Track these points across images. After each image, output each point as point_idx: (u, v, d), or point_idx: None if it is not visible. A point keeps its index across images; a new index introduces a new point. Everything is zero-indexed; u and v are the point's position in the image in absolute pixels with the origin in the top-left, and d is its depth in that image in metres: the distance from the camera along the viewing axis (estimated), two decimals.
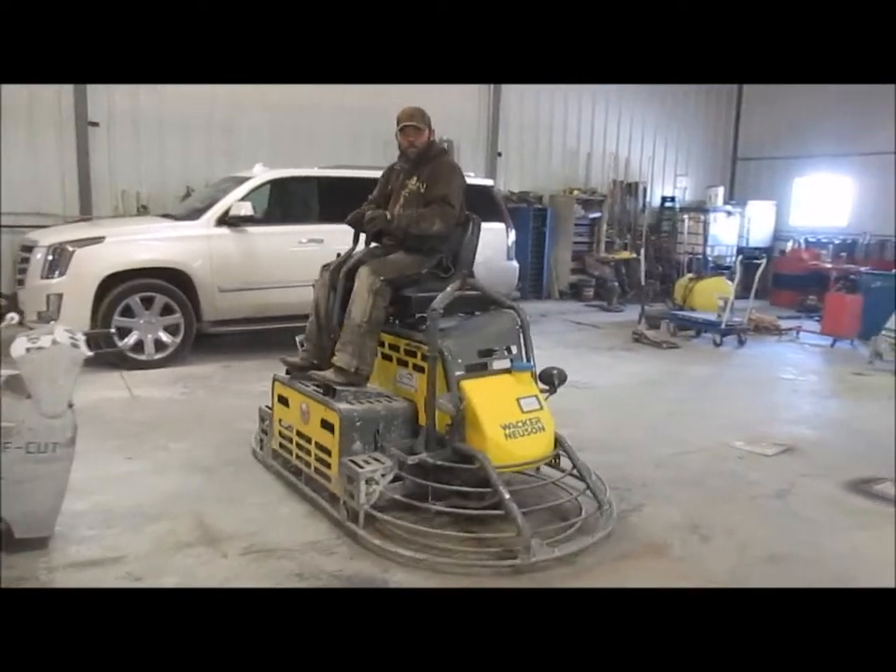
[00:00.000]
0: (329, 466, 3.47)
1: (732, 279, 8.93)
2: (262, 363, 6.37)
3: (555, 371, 3.54)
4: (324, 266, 3.90)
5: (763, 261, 9.09)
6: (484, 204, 7.00)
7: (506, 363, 3.55)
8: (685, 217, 12.68)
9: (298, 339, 4.51)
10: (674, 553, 3.21)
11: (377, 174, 7.06)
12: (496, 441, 3.25)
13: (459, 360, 3.39)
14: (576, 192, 11.91)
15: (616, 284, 11.25)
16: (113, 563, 3.00)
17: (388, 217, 3.60)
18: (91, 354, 2.96)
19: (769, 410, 5.71)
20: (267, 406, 4.22)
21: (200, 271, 6.42)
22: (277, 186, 7.12)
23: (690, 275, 10.12)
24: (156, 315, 6.32)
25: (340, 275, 3.81)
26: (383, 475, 3.28)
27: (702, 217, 12.53)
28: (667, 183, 13.41)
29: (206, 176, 8.75)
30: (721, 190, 13.11)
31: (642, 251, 10.52)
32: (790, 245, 12.86)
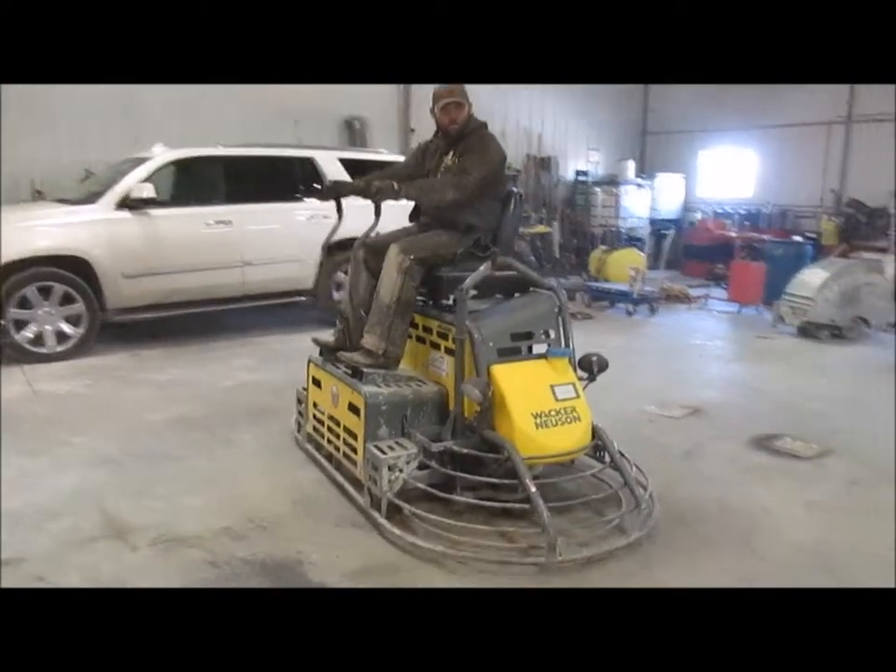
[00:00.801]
0: (355, 451, 3.36)
1: (643, 251, 9.26)
2: (172, 351, 6.30)
3: (595, 358, 3.30)
4: (357, 244, 3.76)
5: (672, 233, 9.47)
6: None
7: (542, 348, 3.34)
8: (598, 190, 12.92)
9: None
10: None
11: (287, 152, 7.24)
12: (524, 431, 3.05)
13: (490, 344, 3.19)
14: None
15: (532, 258, 10.90)
16: (15, 564, 2.82)
17: (395, 187, 3.37)
18: None
19: (678, 375, 5.90)
20: (303, 388, 4.16)
21: (100, 257, 6.03)
22: (180, 167, 6.84)
23: (603, 247, 10.43)
24: (55, 305, 5.91)
25: (366, 253, 3.69)
26: (407, 462, 3.14)
27: (614, 191, 12.73)
28: (580, 157, 13.40)
29: (105, 158, 7.95)
30: (631, 164, 13.09)
31: (556, 225, 10.53)
32: (698, 216, 13.35)
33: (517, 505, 2.99)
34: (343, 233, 6.88)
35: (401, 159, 8.05)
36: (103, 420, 4.52)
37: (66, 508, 3.32)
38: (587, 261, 10.65)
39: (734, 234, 11.75)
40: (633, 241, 11.32)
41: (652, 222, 12.81)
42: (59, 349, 5.95)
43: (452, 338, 3.33)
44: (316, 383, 3.82)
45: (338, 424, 3.56)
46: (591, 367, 3.30)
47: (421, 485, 3.13)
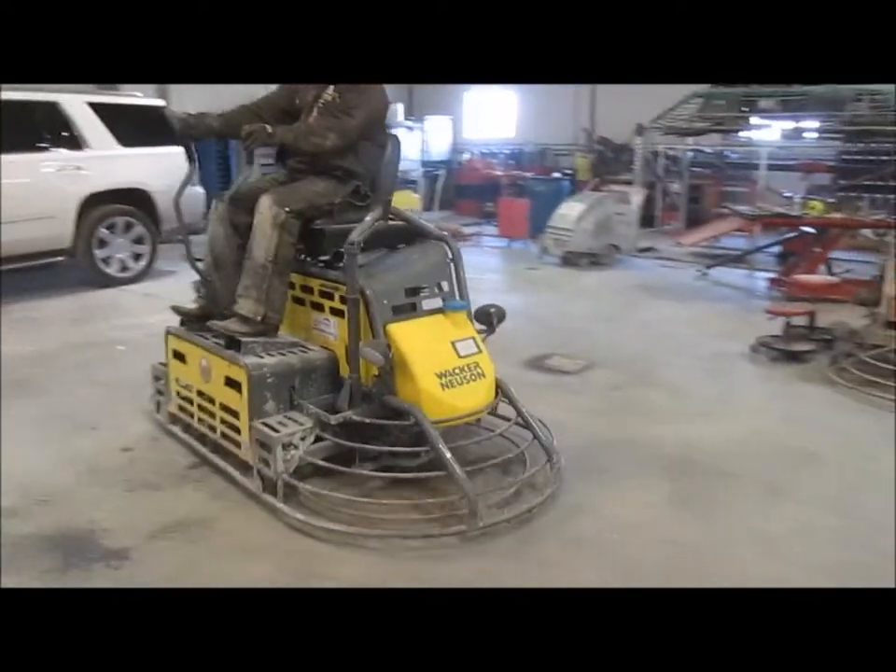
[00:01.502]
0: (237, 430, 2.98)
1: (417, 192, 9.52)
2: None
3: (493, 309, 3.13)
4: (217, 196, 3.31)
5: (443, 173, 10.30)
6: (157, 128, 5.91)
7: (437, 302, 3.11)
8: None
9: (193, 284, 3.95)
10: None
11: (26, 95, 6.20)
12: (431, 393, 2.83)
13: (385, 301, 2.92)
14: None
15: None
16: None
17: (269, 130, 2.94)
18: None
19: None
20: (161, 363, 3.67)
21: None
22: None
23: None
24: None
25: (231, 207, 3.26)
26: (302, 438, 2.83)
27: None
28: None
29: None
30: (400, 107, 13.27)
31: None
32: (466, 157, 13.94)
33: (430, 473, 2.79)
34: (103, 185, 6.44)
35: (158, 102, 7.41)
36: None
37: None
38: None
39: (500, 173, 12.27)
40: (406, 183, 11.21)
41: (423, 164, 12.69)
42: None
43: (339, 297, 3.03)
44: (179, 357, 3.36)
45: (211, 401, 3.15)
46: (489, 318, 3.13)
47: (317, 461, 2.84)
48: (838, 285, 5.95)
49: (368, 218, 2.98)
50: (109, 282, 6.76)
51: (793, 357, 4.76)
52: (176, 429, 3.49)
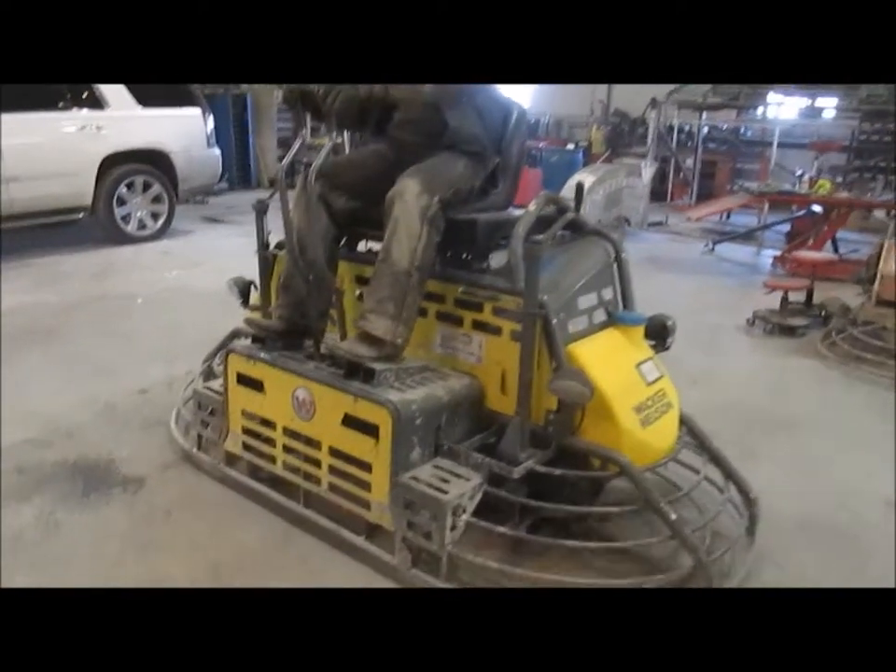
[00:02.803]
0: (365, 486, 2.27)
1: None
2: None
3: (670, 322, 2.55)
4: (310, 172, 2.49)
5: None
6: (176, 89, 6.87)
7: (601, 314, 2.49)
8: None
9: (229, 282, 3.14)
10: None
11: None
12: (632, 433, 2.22)
13: (562, 315, 2.28)
14: None
15: None
16: None
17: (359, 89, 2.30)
18: None
19: None
20: (208, 387, 2.86)
21: None
22: None
23: None
24: None
25: (329, 187, 2.50)
26: (471, 498, 2.16)
27: None
28: None
29: None
30: None
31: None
32: None
33: (649, 541, 2.20)
34: (122, 145, 6.66)
35: None
36: None
37: None
38: None
39: None
40: None
41: None
42: None
43: (493, 309, 2.35)
44: (249, 383, 2.58)
45: (314, 445, 2.41)
46: (664, 332, 2.55)
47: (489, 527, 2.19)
48: (838, 262, 6.10)
49: (532, 207, 2.31)
50: (128, 239, 6.89)
51: (787, 331, 4.85)
52: (235, 473, 2.72)
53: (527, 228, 2.25)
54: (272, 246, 2.96)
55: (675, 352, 3.75)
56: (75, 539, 2.42)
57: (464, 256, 2.49)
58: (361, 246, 2.85)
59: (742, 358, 4.51)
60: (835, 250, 6.89)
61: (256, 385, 2.56)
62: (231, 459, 2.74)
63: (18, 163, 5.95)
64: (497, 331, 2.37)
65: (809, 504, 2.74)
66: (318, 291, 2.49)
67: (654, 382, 2.39)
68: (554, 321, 2.22)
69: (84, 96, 6.44)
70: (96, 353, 4.12)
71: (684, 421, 2.51)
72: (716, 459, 2.50)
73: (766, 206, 8.09)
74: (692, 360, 3.99)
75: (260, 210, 2.88)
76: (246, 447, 2.66)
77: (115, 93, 6.58)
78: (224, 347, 3.31)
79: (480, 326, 2.41)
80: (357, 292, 2.72)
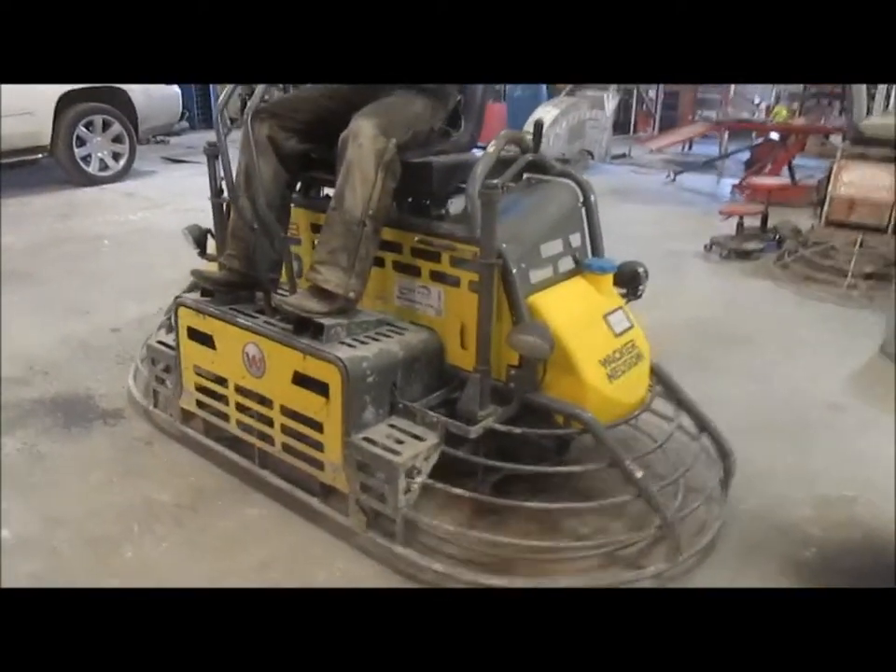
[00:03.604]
0: (317, 446, 2.17)
1: None
2: None
3: (641, 269, 2.41)
4: (256, 112, 2.31)
5: None
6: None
7: (569, 262, 2.35)
8: None
9: (184, 231, 2.98)
10: None
11: None
12: (598, 388, 2.10)
13: (523, 265, 2.13)
14: None
15: None
16: None
17: None
18: None
19: None
20: (161, 342, 2.73)
21: None
22: None
23: None
24: None
25: (279, 127, 2.33)
26: (425, 459, 2.06)
27: None
28: None
29: None
30: None
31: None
32: None
33: (621, 499, 2.10)
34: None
35: None
36: None
37: None
38: None
39: None
40: None
41: None
42: None
43: (450, 259, 2.21)
44: (201, 338, 2.45)
45: (266, 404, 2.30)
46: (636, 280, 2.40)
47: (442, 486, 2.08)
48: (792, 187, 6.29)
49: (491, 148, 2.14)
50: (90, 181, 6.82)
51: (743, 256, 5.04)
52: (191, 431, 2.62)
53: (486, 170, 2.08)
54: (226, 192, 2.80)
55: None
56: (59, 467, 2.51)
57: (422, 202, 2.32)
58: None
59: (698, 281, 4.70)
60: (791, 176, 6.92)
61: (207, 341, 2.44)
62: (188, 417, 2.64)
63: None
64: (455, 282, 2.23)
65: (758, 408, 2.94)
66: (269, 240, 2.34)
67: (623, 333, 2.26)
68: (514, 271, 2.08)
69: None
70: (67, 293, 4.17)
71: (655, 371, 2.40)
72: (689, 410, 2.38)
73: (726, 135, 8.17)
74: (651, 285, 3.96)
75: (211, 154, 2.70)
76: (200, 405, 2.55)
77: None
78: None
79: (438, 277, 2.27)
80: (314, 241, 2.57)
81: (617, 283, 2.40)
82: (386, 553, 2.05)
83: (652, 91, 10.48)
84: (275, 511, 2.28)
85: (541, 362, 2.08)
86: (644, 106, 10.56)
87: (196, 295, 2.52)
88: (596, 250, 2.42)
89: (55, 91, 6.35)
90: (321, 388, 2.09)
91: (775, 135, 7.32)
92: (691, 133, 8.74)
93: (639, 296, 2.42)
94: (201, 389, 2.53)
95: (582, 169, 7.93)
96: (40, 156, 6.60)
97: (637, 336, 2.31)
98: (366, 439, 2.06)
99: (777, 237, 5.19)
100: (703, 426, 2.37)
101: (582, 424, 2.06)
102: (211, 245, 2.94)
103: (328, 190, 2.59)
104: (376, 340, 2.18)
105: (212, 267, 2.67)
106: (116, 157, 7.04)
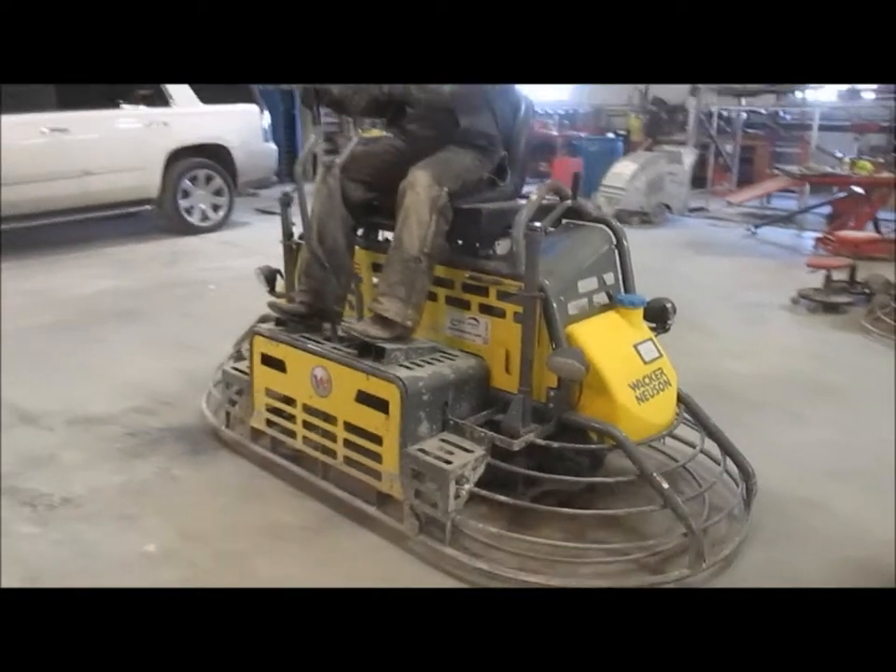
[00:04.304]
0: (376, 458, 2.44)
1: None
2: (16, 263, 6.08)
3: (669, 305, 2.66)
4: (328, 165, 2.67)
5: None
6: (235, 87, 7.28)
7: (603, 298, 2.62)
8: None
9: (257, 270, 3.32)
10: None
11: None
12: (627, 408, 2.35)
13: (562, 298, 2.41)
14: None
15: None
16: None
17: (380, 87, 2.46)
18: None
19: None
20: (235, 367, 3.05)
21: None
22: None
23: None
24: None
25: (347, 179, 2.66)
26: (473, 468, 2.31)
27: None
28: None
29: None
30: None
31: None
32: None
33: (644, 508, 2.33)
34: (187, 139, 7.07)
35: None
36: None
37: None
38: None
39: (555, 133, 12.60)
40: None
41: None
42: None
43: (497, 293, 2.50)
44: (273, 363, 2.76)
45: (330, 420, 2.58)
46: (664, 314, 2.66)
47: (491, 495, 2.33)
48: (880, 241, 6.19)
49: (534, 196, 2.45)
50: (191, 230, 7.28)
51: (831, 309, 5.01)
52: (259, 449, 2.90)
53: (530, 215, 2.38)
54: (295, 236, 3.14)
55: (721, 327, 4.64)
56: (192, 489, 2.73)
57: (471, 244, 2.63)
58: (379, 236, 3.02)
59: (787, 333, 4.70)
60: (877, 229, 6.89)
61: (278, 365, 2.74)
62: (256, 435, 2.93)
63: (92, 158, 6.41)
64: (501, 314, 2.51)
65: (850, 457, 2.96)
66: (336, 277, 2.66)
67: (652, 361, 2.51)
68: (554, 304, 2.36)
69: (151, 94, 6.86)
70: (176, 332, 4.47)
71: (683, 399, 2.62)
72: (714, 435, 2.61)
73: (807, 189, 8.11)
74: (737, 336, 4.46)
75: (285, 202, 3.07)
76: (270, 423, 2.84)
77: (179, 91, 6.98)
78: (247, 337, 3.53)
79: (486, 309, 2.55)
80: (374, 279, 2.88)
81: (647, 317, 2.65)
82: (435, 554, 2.29)
83: (729, 146, 10.60)
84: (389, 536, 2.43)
85: (577, 384, 2.34)
86: (721, 160, 10.64)
87: (270, 325, 2.84)
88: (628, 288, 2.68)
89: (166, 147, 6.88)
90: (382, 405, 2.37)
91: (858, 189, 7.21)
92: (773, 187, 8.76)
93: (667, 329, 2.67)
94: (270, 409, 2.82)
95: (661, 222, 8.38)
96: (148, 207, 7.08)
97: (665, 365, 2.55)
98: (420, 450, 2.32)
99: (867, 290, 5.11)
100: (727, 450, 2.59)
101: (613, 440, 2.30)
102: (280, 284, 3.29)
103: (386, 234, 2.92)
104: (430, 364, 2.47)
105: (280, 301, 3.00)
106: (215, 208, 7.49)
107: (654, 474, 2.24)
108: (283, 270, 3.21)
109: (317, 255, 2.62)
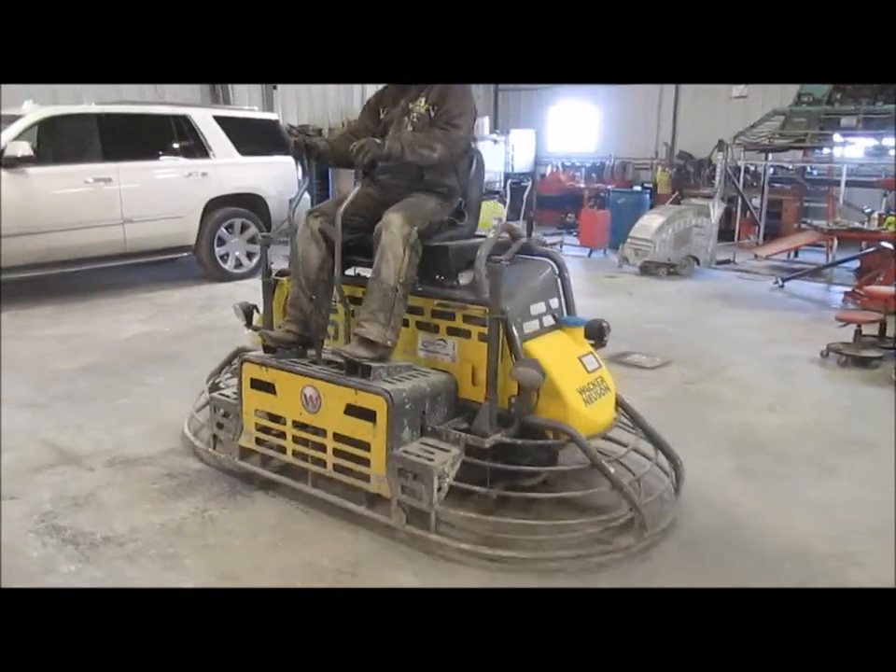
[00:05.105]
0: (365, 462, 2.80)
1: (503, 202, 9.77)
2: (57, 308, 6.40)
3: (605, 324, 3.15)
4: (310, 212, 3.09)
5: (529, 184, 10.55)
6: (271, 139, 7.77)
7: (549, 320, 3.09)
8: None
9: (235, 306, 3.65)
10: None
11: (162, 109, 7.52)
12: (577, 410, 2.81)
13: (518, 320, 2.87)
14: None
15: None
16: None
17: (378, 142, 2.86)
18: None
19: None
20: (221, 394, 3.36)
21: None
22: (50, 124, 6.57)
23: None
24: None
25: (326, 224, 3.06)
26: (452, 465, 2.71)
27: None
28: None
29: None
30: (486, 120, 13.73)
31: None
32: (549, 169, 14.40)
33: (590, 490, 2.79)
34: (224, 189, 7.49)
35: (272, 116, 8.58)
36: (11, 370, 4.59)
37: (6, 444, 3.51)
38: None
39: (582, 185, 12.85)
40: (491, 193, 11.17)
41: (507, 175, 12.75)
42: None
43: (462, 317, 2.93)
44: (262, 386, 3.09)
45: (319, 433, 2.93)
46: (601, 332, 3.14)
47: (461, 485, 2.74)
48: None
49: (490, 235, 2.92)
50: (226, 276, 7.51)
51: (862, 363, 5.00)
52: (248, 465, 3.20)
53: (488, 251, 2.84)
54: (273, 274, 3.51)
55: (752, 380, 4.72)
56: (230, 530, 2.83)
57: (437, 276, 3.07)
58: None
59: (817, 387, 4.72)
60: None
61: (268, 388, 3.07)
62: (244, 454, 3.23)
63: (133, 206, 6.78)
64: (467, 335, 2.94)
65: (883, 514, 2.96)
66: (318, 309, 3.04)
67: (594, 371, 2.99)
68: (513, 324, 2.81)
69: (191, 146, 7.32)
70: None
71: (619, 403, 3.11)
72: (647, 433, 3.11)
73: (835, 243, 8.22)
74: (768, 389, 4.54)
75: (264, 244, 3.44)
76: (259, 441, 3.16)
77: (219, 143, 7.41)
78: (227, 364, 3.85)
79: (453, 331, 2.98)
80: (352, 309, 3.26)
81: (587, 335, 3.14)
82: (422, 541, 2.67)
83: (756, 200, 10.57)
84: (427, 579, 2.54)
85: (535, 390, 2.78)
86: (748, 214, 10.61)
87: (258, 353, 3.17)
88: (570, 310, 3.16)
89: (204, 196, 7.25)
90: (370, 415, 2.74)
91: (887, 244, 7.21)
92: (801, 241, 8.87)
93: (604, 344, 3.15)
94: (260, 429, 3.14)
95: (689, 274, 8.52)
96: (185, 254, 7.36)
97: (604, 374, 3.04)
98: (405, 451, 2.71)
99: None
100: (659, 444, 3.09)
101: (568, 436, 2.75)
102: (256, 318, 3.63)
103: (358, 270, 3.32)
104: (409, 379, 2.87)
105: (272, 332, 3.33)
106: (249, 255, 7.71)
107: (602, 461, 2.70)
108: (261, 305, 3.55)
109: (304, 290, 3.00)
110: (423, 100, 3.06)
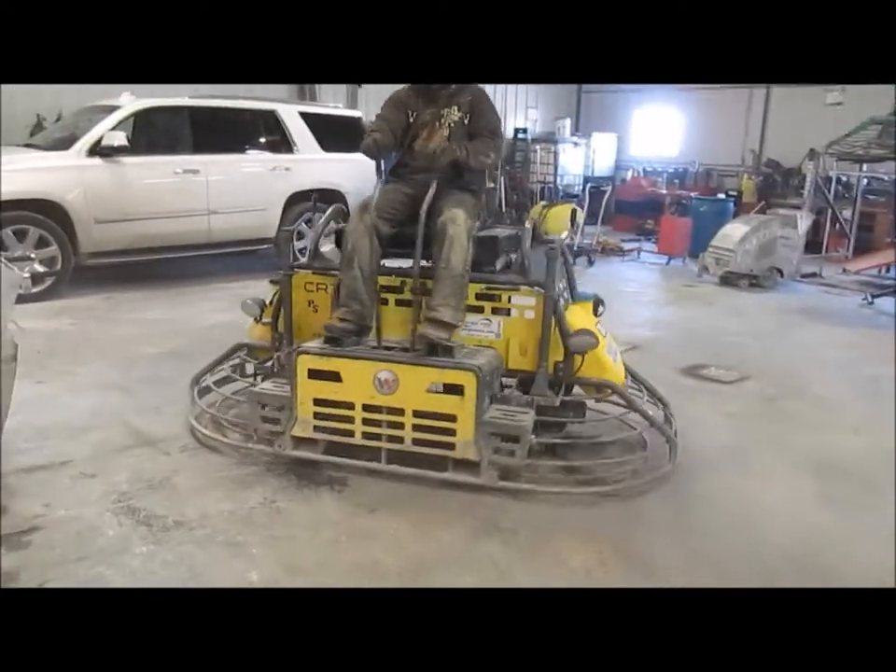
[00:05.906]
0: (450, 433, 3.13)
1: (581, 206, 9.77)
2: (145, 294, 6.73)
3: (601, 300, 3.78)
4: (361, 207, 3.31)
5: (609, 189, 10.47)
6: (355, 136, 7.57)
7: (566, 295, 3.63)
8: (537, 147, 13.49)
9: (244, 302, 3.76)
10: None
11: (251, 104, 7.70)
12: (611, 368, 3.44)
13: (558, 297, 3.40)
14: None
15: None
16: (61, 466, 3.25)
17: (455, 149, 3.29)
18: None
19: (617, 317, 5.84)
20: (264, 388, 3.43)
21: (74, 202, 6.30)
22: (145, 115, 6.99)
23: (543, 203, 10.81)
24: (30, 247, 6.18)
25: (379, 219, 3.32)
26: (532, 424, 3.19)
27: (552, 148, 13.37)
28: (519, 115, 14.01)
29: (56, 105, 8.30)
30: (568, 122, 13.97)
31: (501, 180, 10.58)
32: (629, 173, 14.46)
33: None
34: (306, 184, 7.56)
35: (356, 113, 8.70)
36: (99, 354, 4.91)
37: (92, 424, 3.71)
38: (527, 216, 10.06)
39: (664, 191, 12.63)
40: (569, 196, 11.05)
41: (587, 179, 12.48)
42: (34, 290, 5.99)
43: (507, 297, 3.38)
44: (324, 376, 3.24)
45: (396, 413, 3.18)
46: (598, 306, 3.77)
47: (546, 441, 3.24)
48: None
49: (528, 224, 3.40)
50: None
51: None
52: (306, 453, 3.33)
53: (529, 240, 3.34)
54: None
55: (836, 399, 4.61)
56: (296, 522, 2.90)
57: (480, 263, 3.48)
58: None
59: None
60: None
61: (331, 376, 3.24)
62: (298, 443, 3.35)
63: (218, 198, 7.09)
64: (508, 313, 3.41)
65: None
66: (371, 298, 3.31)
67: (606, 335, 3.62)
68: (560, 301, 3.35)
69: (277, 141, 7.62)
70: None
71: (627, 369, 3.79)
72: (650, 391, 3.85)
73: None
74: (854, 410, 4.41)
75: (286, 238, 3.53)
76: (317, 429, 3.31)
77: (303, 139, 7.71)
78: (226, 359, 3.87)
79: (497, 311, 3.42)
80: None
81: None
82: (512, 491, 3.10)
83: (847, 212, 10.21)
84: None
85: (582, 355, 3.34)
86: (837, 226, 10.22)
87: (317, 343, 3.31)
88: (573, 288, 3.75)
89: (287, 190, 7.51)
90: (457, 390, 3.09)
91: None
92: (894, 257, 8.65)
93: (599, 316, 3.77)
94: (319, 416, 3.29)
95: (772, 286, 8.32)
96: (265, 246, 7.53)
97: (611, 340, 3.67)
98: (492, 417, 3.11)
99: None
100: (660, 401, 3.82)
101: (610, 387, 3.37)
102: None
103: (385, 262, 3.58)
104: (478, 355, 3.26)
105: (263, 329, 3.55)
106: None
107: (639, 404, 3.36)
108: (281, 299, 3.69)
109: (365, 281, 3.25)
110: (455, 108, 3.43)
